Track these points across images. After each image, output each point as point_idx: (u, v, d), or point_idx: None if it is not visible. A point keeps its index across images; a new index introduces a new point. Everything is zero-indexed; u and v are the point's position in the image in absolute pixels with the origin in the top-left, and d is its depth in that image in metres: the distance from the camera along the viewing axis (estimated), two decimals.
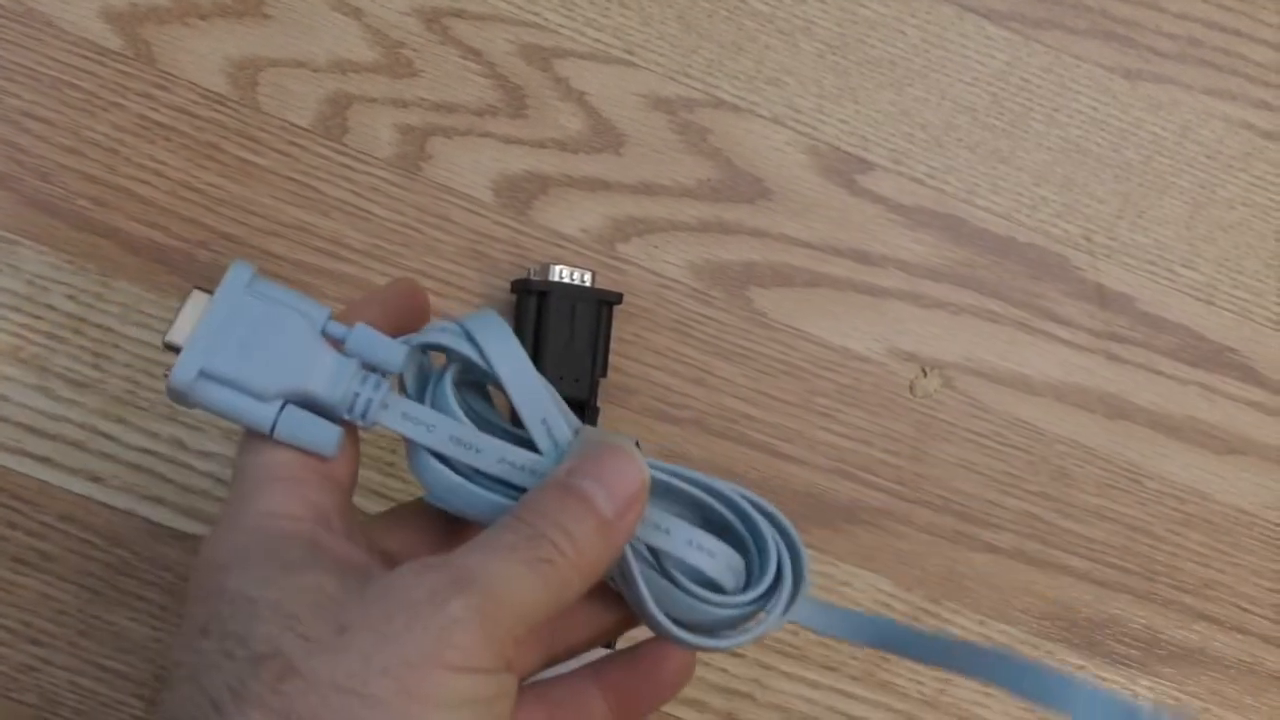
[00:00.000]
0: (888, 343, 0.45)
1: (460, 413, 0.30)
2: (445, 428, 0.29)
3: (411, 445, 0.30)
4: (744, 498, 0.30)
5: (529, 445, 0.29)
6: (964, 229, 0.46)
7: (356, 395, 0.29)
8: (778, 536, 0.30)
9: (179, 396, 0.28)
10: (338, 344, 0.29)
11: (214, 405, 0.28)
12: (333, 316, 0.29)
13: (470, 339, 0.30)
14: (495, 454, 0.29)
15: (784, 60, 0.46)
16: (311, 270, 0.42)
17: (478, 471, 0.29)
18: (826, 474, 0.43)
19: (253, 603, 0.25)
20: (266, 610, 0.25)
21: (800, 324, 0.44)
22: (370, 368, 0.29)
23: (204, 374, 0.28)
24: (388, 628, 0.24)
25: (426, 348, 0.30)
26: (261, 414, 0.28)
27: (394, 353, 0.29)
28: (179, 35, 0.43)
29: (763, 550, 0.30)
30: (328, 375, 0.28)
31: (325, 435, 0.28)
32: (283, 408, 0.28)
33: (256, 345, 0.28)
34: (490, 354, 0.29)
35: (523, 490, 0.29)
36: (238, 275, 0.29)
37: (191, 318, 0.28)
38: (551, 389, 0.30)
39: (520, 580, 0.25)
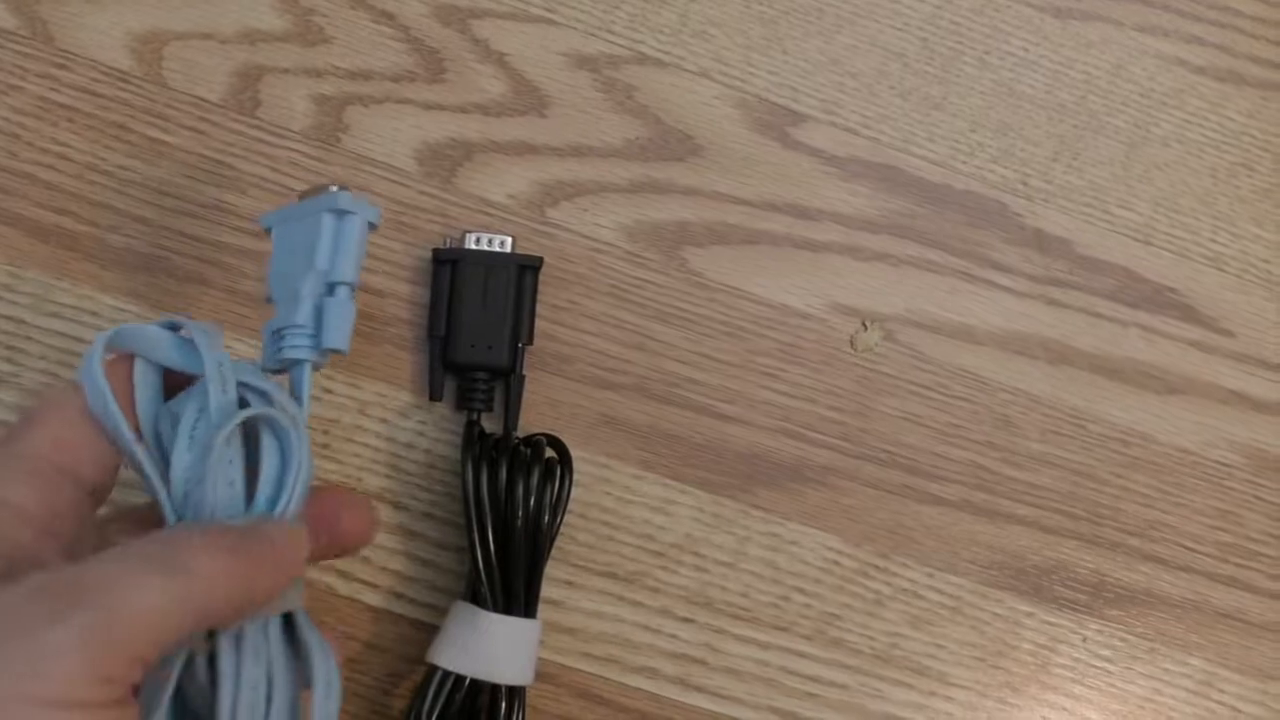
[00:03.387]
0: (827, 298, 0.44)
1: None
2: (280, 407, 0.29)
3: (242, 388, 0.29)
4: None
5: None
6: (900, 178, 0.45)
7: (302, 338, 0.30)
8: None
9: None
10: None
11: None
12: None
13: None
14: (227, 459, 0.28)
15: (709, 11, 0.45)
16: (232, 251, 0.41)
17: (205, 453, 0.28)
18: (770, 433, 0.43)
19: None
20: None
21: (738, 283, 0.44)
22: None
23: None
24: None
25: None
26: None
27: (341, 338, 0.31)
28: (77, 11, 0.41)
29: None
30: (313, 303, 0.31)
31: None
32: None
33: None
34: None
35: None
36: (363, 217, 0.32)
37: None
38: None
39: (151, 593, 0.23)
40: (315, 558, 0.31)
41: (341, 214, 0.31)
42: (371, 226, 0.32)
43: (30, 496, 0.26)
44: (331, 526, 0.31)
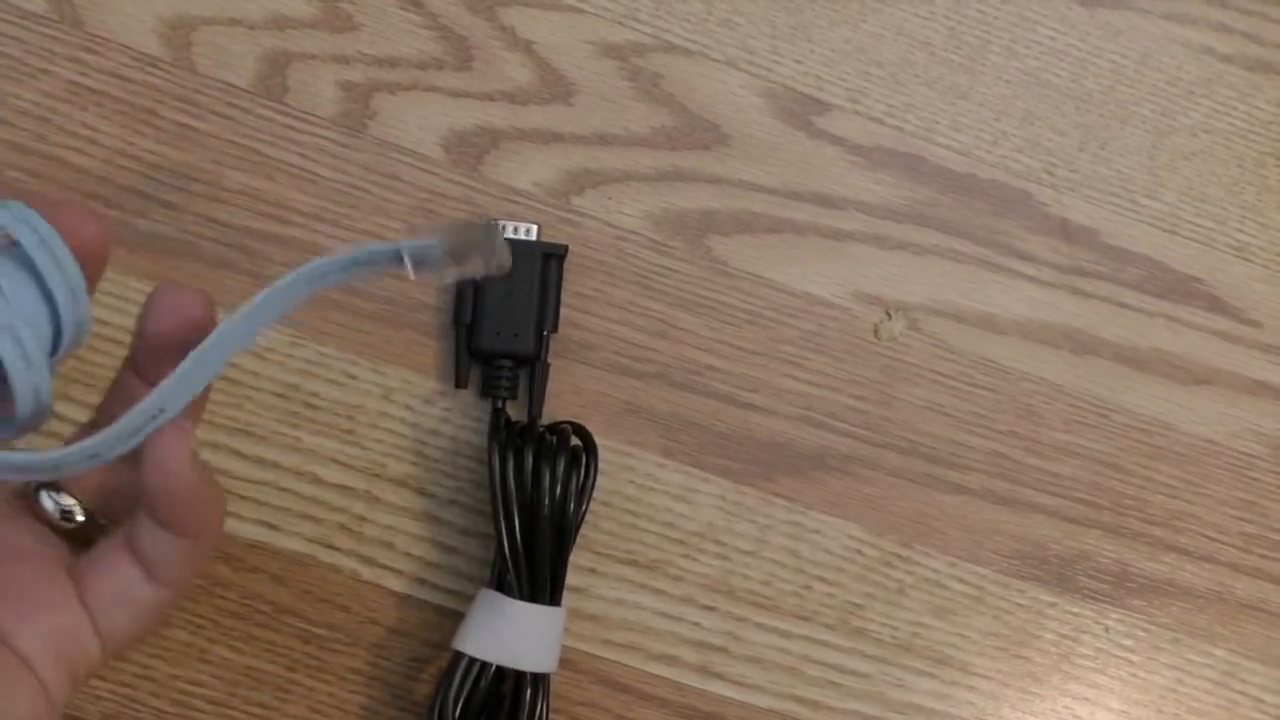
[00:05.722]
0: (851, 286, 0.44)
1: None
2: None
3: None
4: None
5: None
6: (925, 168, 0.45)
7: None
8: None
9: None
10: None
11: None
12: None
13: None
14: None
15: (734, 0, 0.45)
16: (258, 236, 0.41)
17: None
18: (793, 422, 0.43)
19: None
20: None
21: (762, 271, 0.43)
22: None
23: None
24: None
25: None
26: None
27: None
28: None
29: None
30: None
31: None
32: None
33: None
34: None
35: None
36: None
37: None
38: None
39: None
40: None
41: None
42: None
43: None
44: None
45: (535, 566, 0.38)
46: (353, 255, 0.27)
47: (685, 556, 0.42)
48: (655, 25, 0.44)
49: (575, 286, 0.42)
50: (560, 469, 0.38)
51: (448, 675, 0.37)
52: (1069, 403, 0.44)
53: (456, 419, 0.41)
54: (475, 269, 0.27)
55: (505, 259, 0.28)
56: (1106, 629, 0.43)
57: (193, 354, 0.27)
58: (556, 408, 0.42)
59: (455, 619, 0.39)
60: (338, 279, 0.28)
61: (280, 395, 0.41)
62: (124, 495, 0.31)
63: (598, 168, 0.43)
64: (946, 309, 0.44)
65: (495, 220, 0.33)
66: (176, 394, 0.27)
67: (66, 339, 0.27)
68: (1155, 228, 0.46)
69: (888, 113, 0.45)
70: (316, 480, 0.41)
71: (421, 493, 0.41)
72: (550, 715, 0.38)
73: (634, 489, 0.42)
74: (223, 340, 0.27)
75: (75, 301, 0.27)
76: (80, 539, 0.30)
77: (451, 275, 0.27)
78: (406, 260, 0.27)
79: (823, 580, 0.42)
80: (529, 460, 0.38)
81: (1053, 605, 0.43)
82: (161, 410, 0.27)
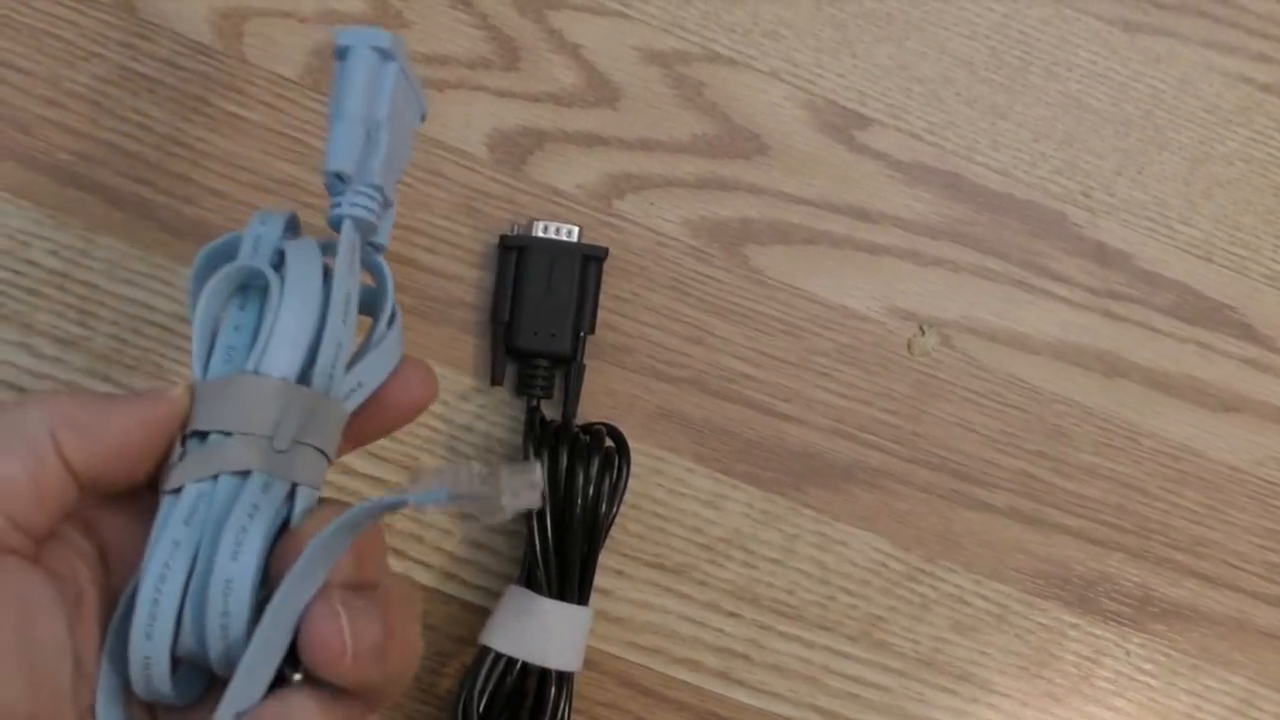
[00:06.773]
0: (886, 301, 0.44)
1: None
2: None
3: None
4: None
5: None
6: (963, 186, 0.45)
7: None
8: None
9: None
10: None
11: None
12: None
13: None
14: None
15: (781, 12, 0.45)
16: (304, 227, 0.41)
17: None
18: (824, 433, 0.43)
19: None
20: None
21: (798, 282, 0.44)
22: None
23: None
24: None
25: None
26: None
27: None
28: None
29: None
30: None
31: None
32: None
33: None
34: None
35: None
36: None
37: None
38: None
39: (11, 474, 0.25)
40: (369, 434, 0.30)
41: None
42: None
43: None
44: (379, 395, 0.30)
45: (565, 565, 0.38)
46: (369, 507, 0.25)
47: (712, 562, 0.42)
48: (701, 34, 0.44)
49: (613, 289, 0.43)
50: (594, 469, 0.38)
51: (473, 670, 0.38)
52: (1098, 425, 0.45)
53: (490, 416, 0.41)
54: (497, 511, 0.24)
55: (523, 501, 0.24)
56: (1127, 652, 0.43)
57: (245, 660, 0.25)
58: (591, 409, 0.42)
59: (481, 615, 0.39)
60: (364, 526, 0.26)
61: None
62: None
63: (639, 172, 0.43)
64: (980, 327, 0.44)
65: (516, 462, 0.28)
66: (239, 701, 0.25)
67: None
68: (1189, 254, 0.46)
69: (928, 130, 0.45)
70: (348, 471, 0.41)
71: None
72: (572, 714, 0.38)
73: (663, 493, 0.42)
74: (273, 632, 0.25)
75: None
76: None
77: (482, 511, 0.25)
78: (417, 506, 0.25)
79: (847, 592, 0.42)
80: (563, 460, 0.38)
81: (1074, 626, 0.43)
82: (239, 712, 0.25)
